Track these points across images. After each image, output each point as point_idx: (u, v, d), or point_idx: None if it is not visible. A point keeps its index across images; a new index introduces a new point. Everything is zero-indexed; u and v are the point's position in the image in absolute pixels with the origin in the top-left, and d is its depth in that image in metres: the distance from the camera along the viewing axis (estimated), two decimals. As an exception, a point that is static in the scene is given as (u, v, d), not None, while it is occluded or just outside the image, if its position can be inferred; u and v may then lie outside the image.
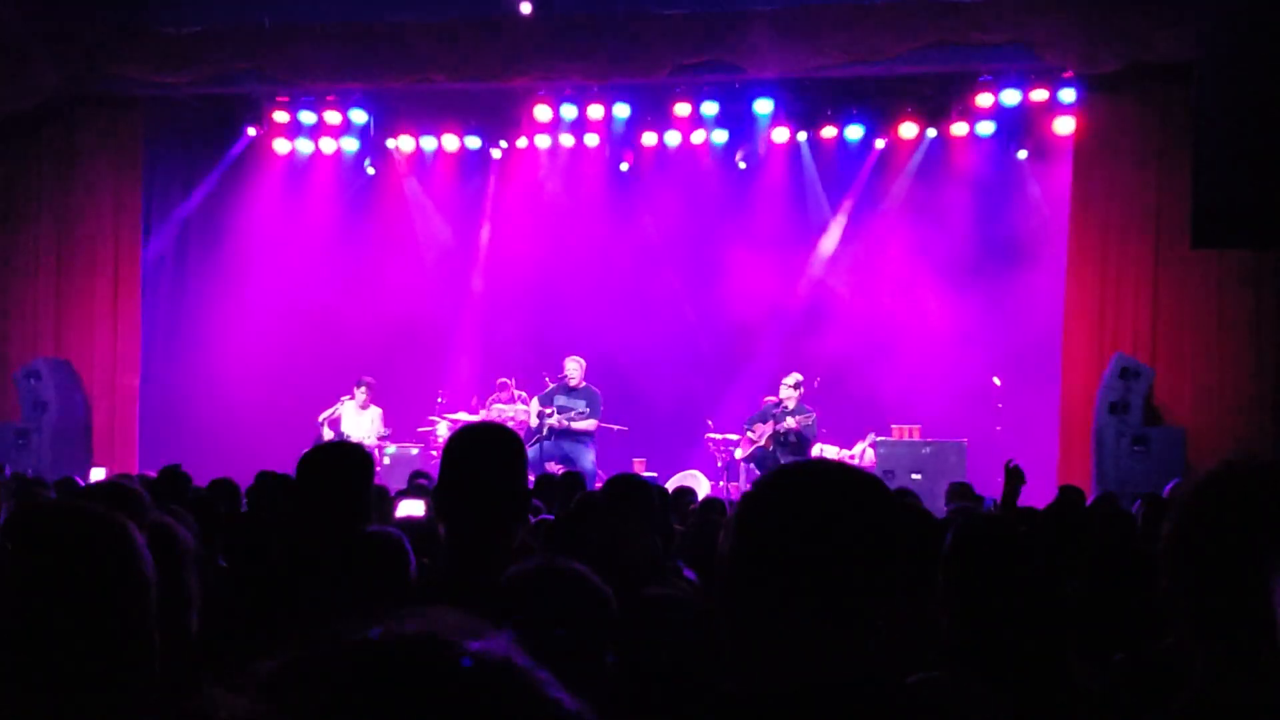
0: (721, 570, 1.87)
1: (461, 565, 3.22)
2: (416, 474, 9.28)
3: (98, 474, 13.89)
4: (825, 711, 1.73)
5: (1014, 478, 6.65)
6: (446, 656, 1.08)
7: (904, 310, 15.94)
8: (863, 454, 14.72)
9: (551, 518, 5.85)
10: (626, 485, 4.94)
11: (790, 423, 13.89)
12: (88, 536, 2.04)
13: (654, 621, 3.42)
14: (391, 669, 1.07)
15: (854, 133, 15.95)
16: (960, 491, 9.28)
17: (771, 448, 13.89)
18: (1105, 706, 3.10)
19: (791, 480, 1.89)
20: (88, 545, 2.03)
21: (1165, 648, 3.21)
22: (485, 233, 17.44)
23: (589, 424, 14.28)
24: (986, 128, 15.47)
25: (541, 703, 1.10)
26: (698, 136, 16.22)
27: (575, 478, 8.60)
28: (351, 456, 4.11)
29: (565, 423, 14.17)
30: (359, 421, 14.76)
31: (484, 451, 3.32)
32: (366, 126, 16.58)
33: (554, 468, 13.26)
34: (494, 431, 3.46)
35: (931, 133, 15.82)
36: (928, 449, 14.00)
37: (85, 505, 2.14)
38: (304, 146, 16.93)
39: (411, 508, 6.48)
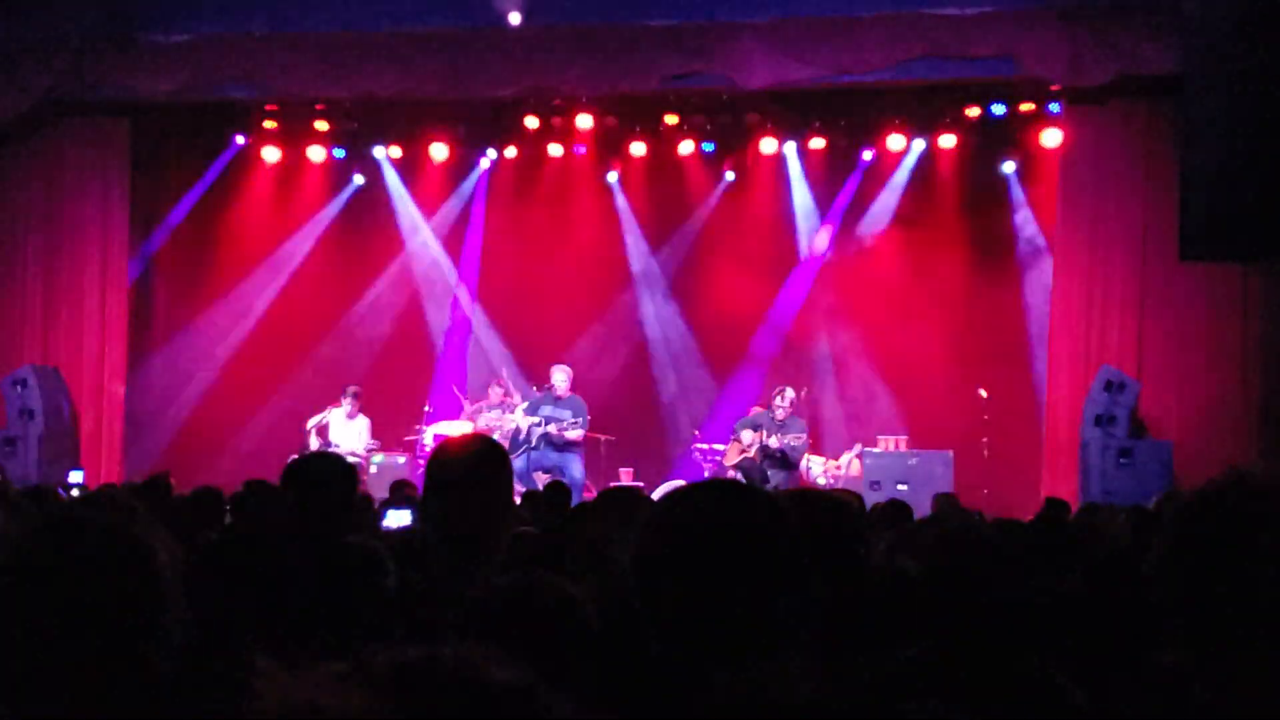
0: (633, 582, 1.94)
1: (447, 576, 3.22)
2: (400, 484, 9.24)
3: (76, 476, 13.86)
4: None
5: None
6: (475, 680, 1.11)
7: (890, 321, 15.95)
8: (849, 464, 14.72)
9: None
10: (621, 499, 4.94)
11: (773, 442, 13.87)
12: (110, 551, 2.03)
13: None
14: (422, 690, 1.09)
15: (842, 144, 15.96)
16: (946, 503, 9.20)
17: (760, 460, 13.89)
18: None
19: (687, 492, 1.98)
20: (110, 560, 2.02)
21: (1161, 664, 3.21)
22: (473, 242, 17.41)
23: (578, 433, 14.27)
24: (974, 140, 15.50)
25: None
26: (686, 147, 16.23)
27: (561, 488, 8.59)
28: (335, 467, 4.11)
29: (560, 433, 14.14)
30: (347, 431, 14.74)
31: (469, 462, 3.32)
32: (355, 135, 16.56)
33: (542, 477, 13.25)
34: (479, 443, 3.47)
35: (919, 144, 15.82)
36: (914, 460, 14.01)
37: (107, 518, 2.12)
38: (292, 155, 16.90)
39: (399, 518, 6.46)
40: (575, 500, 12.07)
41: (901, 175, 16.09)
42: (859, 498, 6.93)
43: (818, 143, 16.05)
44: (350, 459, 5.34)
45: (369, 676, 1.12)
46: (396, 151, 16.89)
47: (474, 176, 17.19)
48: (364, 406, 15.07)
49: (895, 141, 15.72)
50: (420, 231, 17.36)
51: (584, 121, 15.84)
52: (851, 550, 3.23)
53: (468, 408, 15.45)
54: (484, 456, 3.38)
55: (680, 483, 14.81)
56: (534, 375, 15.03)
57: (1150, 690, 3.02)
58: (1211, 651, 1.87)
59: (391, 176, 17.17)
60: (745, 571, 1.87)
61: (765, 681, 1.77)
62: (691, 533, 1.91)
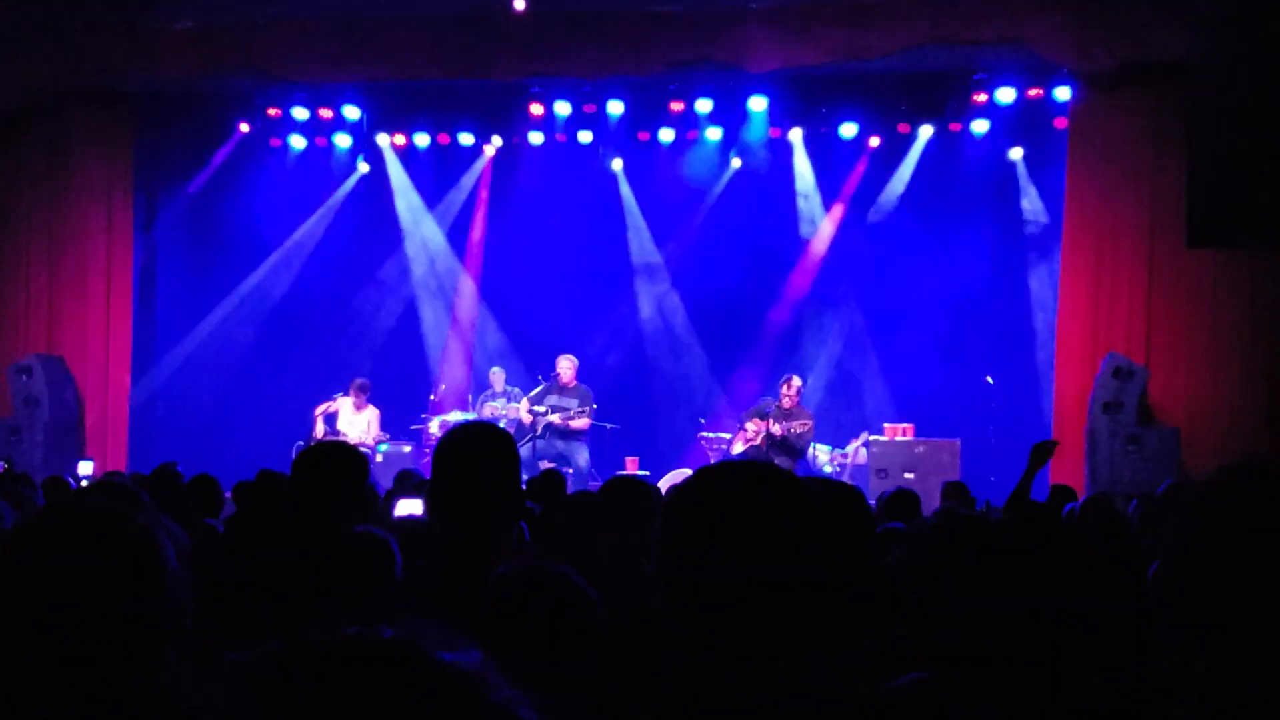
0: (656, 568, 1.89)
1: (455, 565, 3.21)
2: (406, 473, 9.23)
3: (85, 467, 13.86)
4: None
5: (1039, 455, 6.65)
6: (416, 661, 1.09)
7: (897, 308, 15.93)
8: (856, 453, 14.71)
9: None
10: (624, 488, 4.94)
11: (777, 430, 13.83)
12: (114, 542, 2.02)
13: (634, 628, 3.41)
14: (360, 669, 1.07)
15: (849, 130, 15.90)
16: (955, 491, 9.22)
17: (765, 448, 13.86)
18: (1106, 715, 3.08)
19: (714, 476, 1.91)
20: (113, 551, 2.01)
21: (1169, 657, 3.19)
22: (478, 229, 17.40)
23: (584, 422, 14.28)
24: (981, 126, 15.45)
25: (506, 717, 1.10)
26: (692, 133, 16.20)
27: (554, 476, 8.58)
28: (346, 456, 4.09)
29: (565, 422, 14.14)
30: (355, 422, 14.73)
31: (477, 451, 3.30)
32: (359, 122, 16.54)
33: (547, 466, 13.24)
34: (487, 431, 3.45)
35: (926, 130, 15.78)
36: (921, 448, 13.98)
37: (111, 508, 2.11)
38: (297, 142, 16.89)
39: (410, 506, 6.45)
40: (582, 488, 12.08)
41: (908, 161, 16.05)
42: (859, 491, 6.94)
43: (824, 129, 16.01)
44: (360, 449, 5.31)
45: (304, 657, 1.10)
46: (401, 138, 16.87)
47: (479, 163, 17.17)
48: (372, 397, 15.07)
49: (902, 127, 15.68)
50: (424, 219, 17.35)
51: (589, 108, 15.81)
52: (864, 540, 3.22)
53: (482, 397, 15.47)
54: (492, 444, 3.36)
55: (685, 471, 14.81)
56: (540, 364, 15.02)
57: (1158, 677, 3.01)
58: (1221, 641, 1.85)
59: (395, 164, 17.15)
60: (777, 555, 1.82)
61: (784, 670, 1.75)
62: (723, 514, 1.85)
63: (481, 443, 3.36)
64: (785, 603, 1.79)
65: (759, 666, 1.76)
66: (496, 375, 15.40)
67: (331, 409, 14.74)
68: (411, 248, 17.37)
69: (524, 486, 8.04)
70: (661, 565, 1.87)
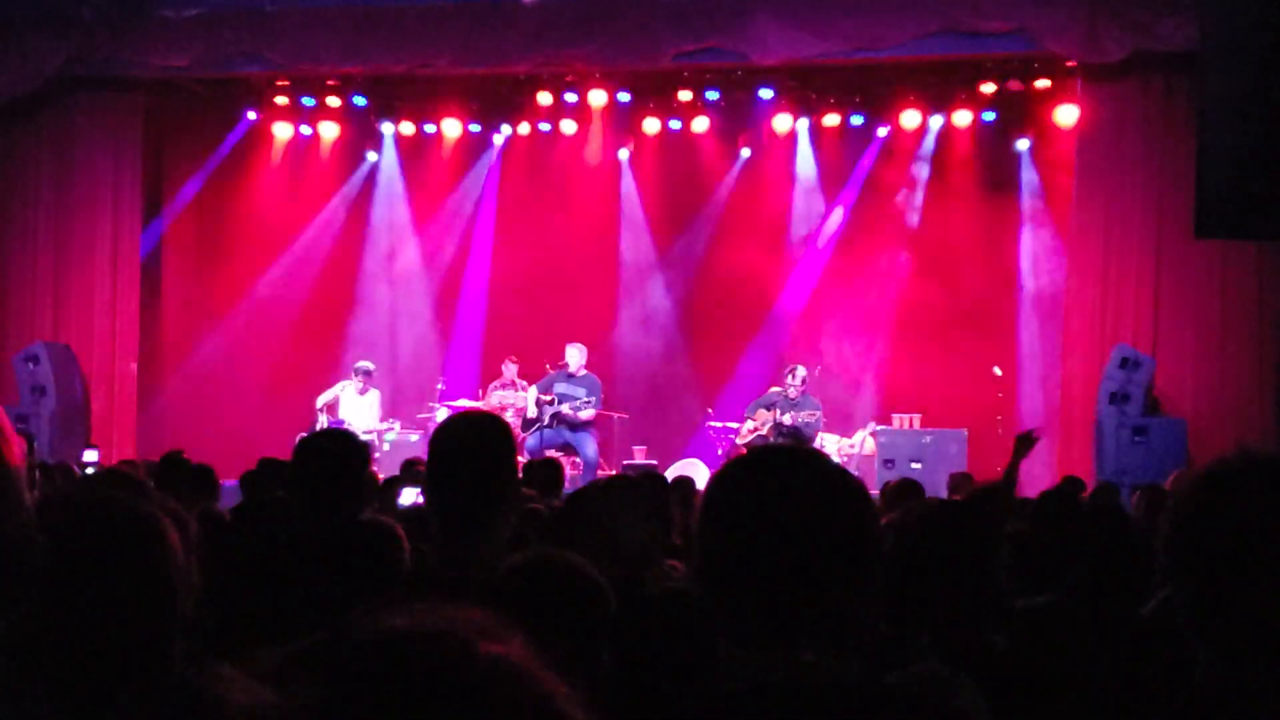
0: (694, 552, 1.88)
1: (452, 554, 3.21)
2: (411, 461, 9.25)
3: (91, 455, 13.87)
4: (812, 708, 1.72)
5: (1022, 445, 6.72)
6: (460, 656, 1.08)
7: (904, 298, 15.91)
8: (863, 443, 14.69)
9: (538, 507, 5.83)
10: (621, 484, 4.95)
11: (786, 419, 13.83)
12: (124, 532, 2.02)
13: (653, 616, 3.41)
14: (404, 665, 1.06)
15: (856, 120, 15.90)
16: (962, 483, 9.22)
17: (773, 438, 13.85)
18: (1104, 695, 3.09)
19: (758, 462, 1.89)
20: (123, 541, 2.01)
21: (1169, 646, 3.20)
22: (485, 219, 17.39)
23: (591, 413, 14.26)
24: (989, 116, 15.43)
25: (551, 711, 1.09)
26: (699, 123, 16.18)
27: (552, 464, 8.60)
28: (346, 444, 4.10)
29: (573, 413, 14.11)
30: (358, 407, 14.74)
31: (471, 440, 3.30)
32: (367, 111, 16.54)
33: (554, 455, 13.24)
34: (482, 420, 3.45)
35: (935, 121, 15.76)
36: (928, 438, 13.98)
37: (120, 499, 2.11)
38: (305, 131, 16.90)
39: (415, 494, 6.47)
40: (590, 477, 12.09)
41: (916, 152, 16.02)
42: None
43: (832, 119, 15.99)
44: (364, 436, 5.26)
45: (342, 652, 1.09)
46: (409, 128, 16.86)
47: (488, 153, 17.16)
48: (376, 382, 15.08)
49: (910, 118, 15.64)
50: (431, 208, 17.34)
51: (597, 98, 15.79)
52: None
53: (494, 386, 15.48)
54: (485, 432, 3.35)
55: (694, 461, 14.78)
56: (548, 353, 15.01)
57: (1157, 665, 3.01)
58: (1218, 626, 1.86)
59: (392, 154, 17.14)
60: (819, 542, 1.80)
61: (817, 656, 1.75)
62: (766, 500, 1.82)
63: (476, 431, 3.35)
64: (824, 590, 1.78)
65: (794, 653, 1.75)
66: (509, 367, 15.37)
67: (333, 398, 14.76)
68: (419, 237, 17.36)
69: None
70: (700, 550, 1.86)
